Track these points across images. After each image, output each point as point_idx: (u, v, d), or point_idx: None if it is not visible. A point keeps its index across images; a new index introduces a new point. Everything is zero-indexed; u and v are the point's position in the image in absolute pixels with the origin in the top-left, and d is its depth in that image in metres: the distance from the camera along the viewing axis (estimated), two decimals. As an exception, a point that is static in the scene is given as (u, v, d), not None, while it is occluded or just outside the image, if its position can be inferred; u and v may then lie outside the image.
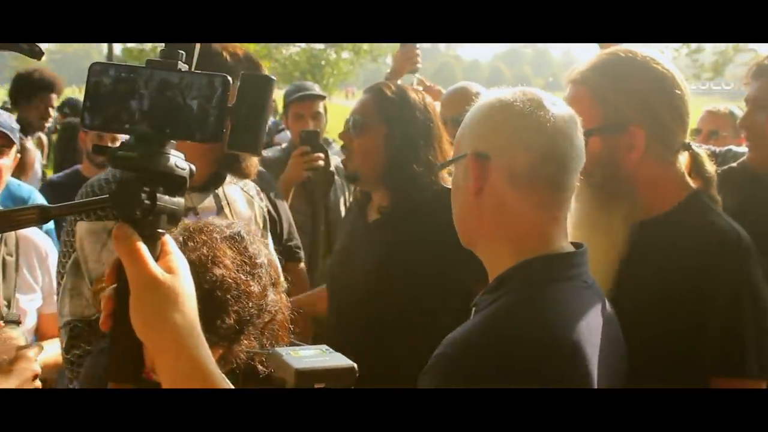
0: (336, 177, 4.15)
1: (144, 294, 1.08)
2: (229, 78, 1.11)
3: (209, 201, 2.45)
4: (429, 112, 2.75)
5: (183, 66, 1.13)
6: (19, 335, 2.31)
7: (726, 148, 2.79)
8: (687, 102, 2.00)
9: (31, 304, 2.75)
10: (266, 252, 1.86)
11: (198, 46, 1.16)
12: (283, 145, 4.32)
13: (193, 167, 1.16)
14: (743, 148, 2.77)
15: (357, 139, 2.74)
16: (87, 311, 2.20)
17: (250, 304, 1.68)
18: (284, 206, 3.49)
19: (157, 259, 1.12)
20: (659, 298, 1.89)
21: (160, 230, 1.13)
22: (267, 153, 4.11)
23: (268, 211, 3.17)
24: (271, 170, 3.75)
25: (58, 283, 2.28)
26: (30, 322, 2.73)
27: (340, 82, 42.46)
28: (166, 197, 1.12)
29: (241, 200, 2.60)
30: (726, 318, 1.86)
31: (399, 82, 4.38)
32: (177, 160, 1.13)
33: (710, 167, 2.05)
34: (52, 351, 2.54)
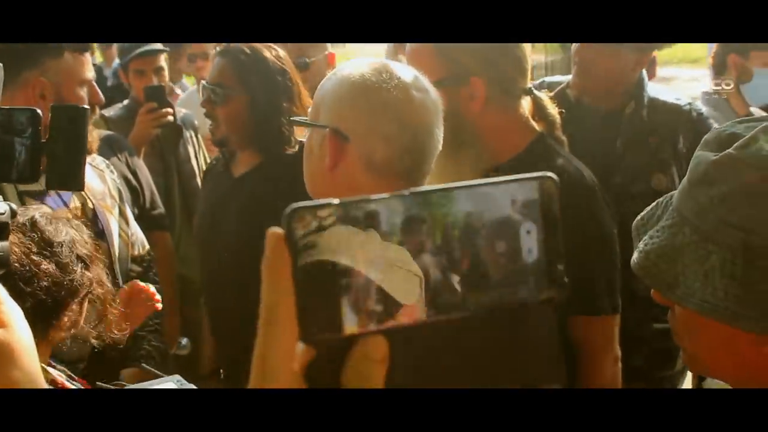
0: (184, 130, 4.01)
1: None
2: (38, 111, 1.03)
3: None
4: (286, 70, 2.68)
5: None
6: None
7: (539, 80, 2.84)
8: (524, 48, 2.01)
9: None
10: (70, 231, 1.82)
11: (1, 78, 1.05)
12: (124, 102, 4.11)
13: (14, 206, 1.07)
14: (557, 78, 2.83)
15: (220, 108, 2.65)
16: None
17: (44, 283, 1.67)
18: (145, 173, 3.35)
19: None
20: None
21: None
22: (108, 113, 3.90)
23: (128, 181, 3.05)
24: (116, 131, 3.56)
25: None
26: None
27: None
28: None
29: (92, 176, 2.51)
30: (579, 259, 1.90)
31: None
32: None
33: (553, 109, 2.08)
34: None
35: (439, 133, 1.62)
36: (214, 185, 2.84)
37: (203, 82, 2.75)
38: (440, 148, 1.63)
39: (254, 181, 2.67)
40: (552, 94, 2.15)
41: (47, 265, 1.66)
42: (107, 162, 2.67)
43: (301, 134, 2.63)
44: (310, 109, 1.69)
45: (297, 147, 2.62)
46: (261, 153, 2.67)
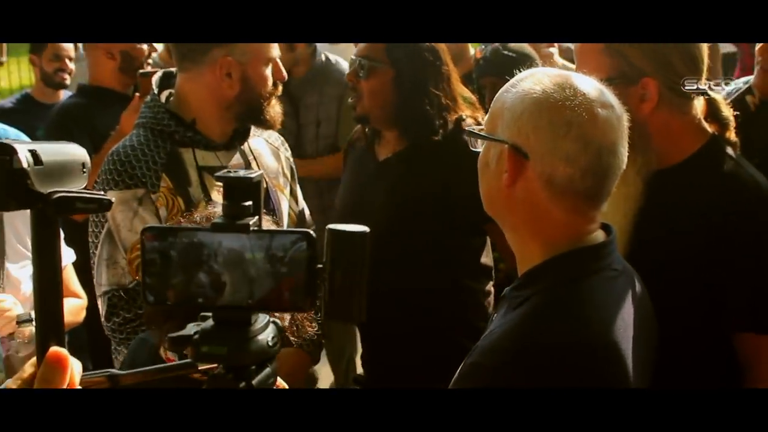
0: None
1: None
2: (313, 233, 0.97)
3: (236, 158, 2.42)
4: (437, 49, 2.65)
5: (254, 222, 0.98)
6: (10, 305, 2.30)
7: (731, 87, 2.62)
8: (702, 47, 1.92)
9: (22, 271, 2.66)
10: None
11: (263, 188, 1.01)
12: None
13: (279, 322, 1.04)
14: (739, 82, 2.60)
15: (365, 81, 2.66)
16: (123, 279, 2.23)
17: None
18: None
19: None
20: (680, 251, 1.88)
21: None
22: None
23: None
24: None
25: (93, 254, 2.30)
26: (25, 289, 2.66)
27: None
28: (262, 375, 1.00)
29: (267, 153, 2.56)
30: (752, 274, 1.84)
31: None
32: (268, 335, 1.00)
33: (727, 111, 2.00)
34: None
35: (624, 152, 1.56)
36: (358, 166, 2.85)
37: (351, 55, 2.75)
38: (624, 167, 1.57)
39: (399, 167, 2.67)
40: (729, 100, 2.04)
41: None
42: (282, 138, 2.69)
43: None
44: (486, 120, 1.65)
45: (441, 134, 2.61)
46: (404, 137, 2.67)
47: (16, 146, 0.79)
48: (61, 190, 0.81)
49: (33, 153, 0.79)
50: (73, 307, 2.63)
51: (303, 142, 3.99)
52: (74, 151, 0.89)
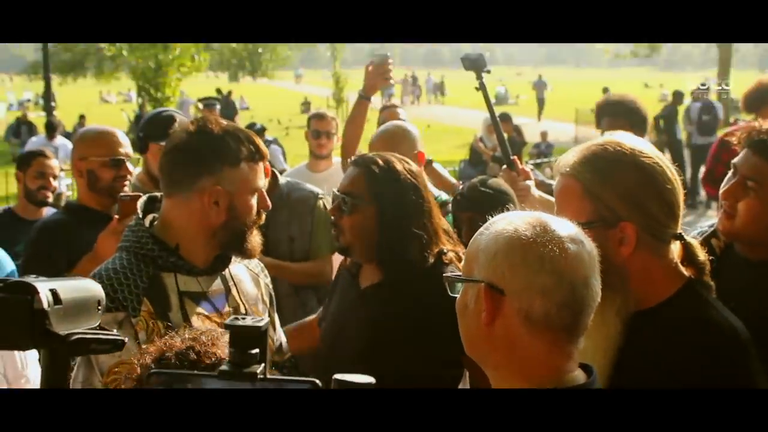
0: None
1: None
2: (319, 383, 0.98)
3: (217, 284, 2.44)
4: (418, 186, 2.73)
5: (261, 371, 0.98)
6: None
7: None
8: (678, 193, 2.01)
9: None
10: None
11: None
12: None
13: None
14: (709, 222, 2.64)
15: (347, 217, 2.72)
16: None
17: None
18: None
19: None
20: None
21: None
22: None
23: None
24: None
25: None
26: None
27: (279, 66, 43.36)
28: None
29: (247, 279, 2.58)
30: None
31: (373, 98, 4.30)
32: None
33: (702, 256, 2.06)
34: None
35: (597, 285, 1.63)
36: (343, 291, 2.89)
37: (334, 190, 2.81)
38: (598, 300, 1.62)
39: (378, 298, 2.71)
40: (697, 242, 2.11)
41: None
42: (263, 265, 2.73)
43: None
44: (462, 264, 1.71)
45: (421, 269, 2.65)
46: (383, 269, 2.72)
47: (37, 285, 0.81)
48: (78, 331, 0.83)
49: (53, 292, 0.81)
50: None
51: (276, 258, 4.00)
52: (91, 287, 0.91)
